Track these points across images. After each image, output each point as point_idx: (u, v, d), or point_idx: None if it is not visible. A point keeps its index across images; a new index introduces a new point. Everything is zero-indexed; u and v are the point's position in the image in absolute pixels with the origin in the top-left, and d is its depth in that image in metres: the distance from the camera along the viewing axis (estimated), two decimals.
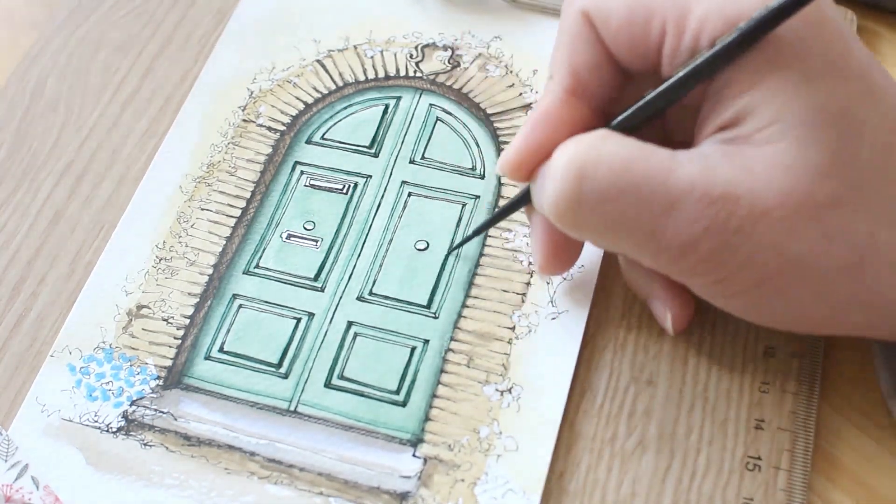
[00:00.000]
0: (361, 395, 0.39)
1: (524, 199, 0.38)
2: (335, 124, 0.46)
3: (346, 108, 0.46)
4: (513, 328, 0.40)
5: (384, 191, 0.44)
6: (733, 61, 0.32)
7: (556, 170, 0.34)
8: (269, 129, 0.46)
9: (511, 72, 0.47)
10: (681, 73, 0.33)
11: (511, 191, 0.44)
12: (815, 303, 0.34)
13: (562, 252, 0.38)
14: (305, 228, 0.43)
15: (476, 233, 0.41)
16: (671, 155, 0.33)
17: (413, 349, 0.40)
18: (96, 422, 0.39)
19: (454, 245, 0.42)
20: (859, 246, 0.32)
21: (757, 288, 0.33)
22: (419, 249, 0.42)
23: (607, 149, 0.33)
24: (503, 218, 0.41)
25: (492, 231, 0.42)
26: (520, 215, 0.42)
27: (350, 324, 0.41)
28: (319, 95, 0.47)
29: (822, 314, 0.34)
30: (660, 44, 0.34)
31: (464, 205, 0.43)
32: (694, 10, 0.33)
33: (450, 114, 0.46)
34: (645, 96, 0.35)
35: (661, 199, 0.32)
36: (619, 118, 0.35)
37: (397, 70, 0.47)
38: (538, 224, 0.38)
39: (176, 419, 0.39)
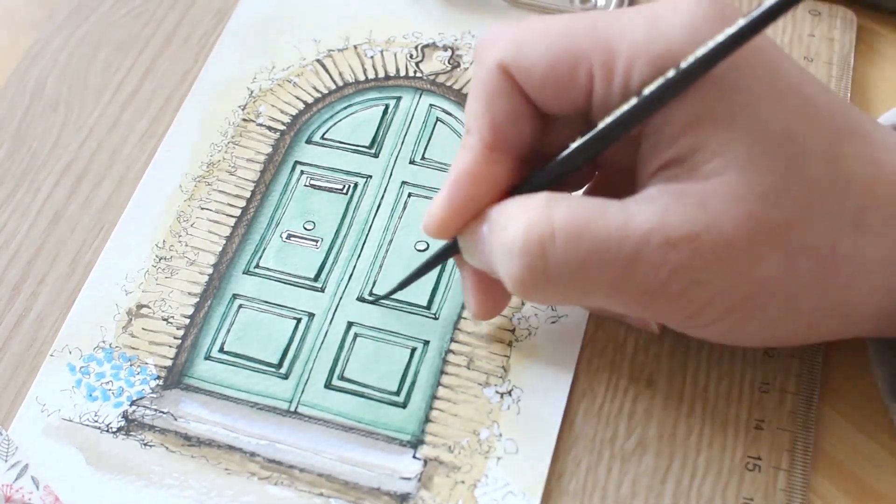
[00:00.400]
0: (362, 395, 0.39)
1: (452, 250, 0.38)
2: (335, 124, 0.46)
3: (346, 108, 0.46)
4: (513, 330, 0.40)
5: (384, 191, 0.44)
6: (666, 105, 0.32)
7: (514, 248, 0.33)
8: (269, 128, 0.46)
9: None
10: (609, 121, 0.33)
11: None
12: (787, 319, 0.34)
13: (495, 298, 0.38)
14: (305, 228, 0.43)
15: (403, 285, 0.40)
16: (623, 207, 0.33)
17: (413, 350, 0.40)
18: (96, 422, 0.39)
19: (379, 297, 0.41)
20: (821, 259, 0.32)
21: (728, 315, 0.33)
22: (419, 250, 0.42)
23: (561, 215, 0.33)
24: (430, 270, 0.40)
25: None
26: None
27: (350, 324, 0.41)
28: (319, 95, 0.47)
29: (796, 328, 0.34)
30: (588, 89, 0.33)
31: None
32: (620, 52, 0.32)
33: (450, 114, 0.46)
34: (572, 145, 0.34)
35: (625, 254, 0.32)
36: (552, 165, 0.35)
37: (397, 70, 0.47)
38: (469, 274, 0.38)
39: (176, 419, 0.39)
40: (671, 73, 0.31)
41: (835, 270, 0.33)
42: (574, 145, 0.34)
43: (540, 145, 0.36)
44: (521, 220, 0.33)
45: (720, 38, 0.31)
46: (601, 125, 0.33)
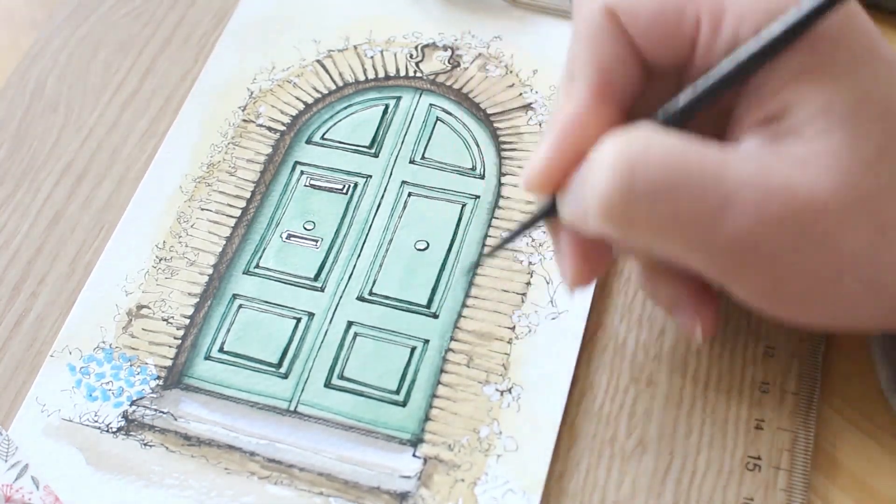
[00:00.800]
0: (361, 394, 0.39)
1: (552, 210, 0.35)
2: (335, 124, 0.46)
3: (346, 108, 0.46)
4: (513, 328, 0.40)
5: (384, 191, 0.44)
6: (780, 53, 0.31)
7: (604, 165, 0.31)
8: (269, 129, 0.46)
9: (511, 72, 0.47)
10: (734, 63, 0.32)
11: (511, 191, 0.44)
12: (870, 300, 0.33)
13: (593, 263, 0.36)
14: (305, 228, 0.43)
15: (499, 246, 0.38)
16: (723, 150, 0.31)
17: (413, 349, 0.40)
18: (96, 422, 0.39)
19: (473, 264, 0.41)
20: None
21: (812, 291, 0.32)
22: (419, 249, 0.42)
23: (657, 142, 0.31)
24: (525, 231, 0.37)
25: (492, 231, 0.42)
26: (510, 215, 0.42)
27: (350, 324, 0.41)
28: (319, 95, 0.47)
29: (877, 311, 0.33)
30: (693, 38, 0.33)
31: (464, 205, 0.43)
32: (731, 2, 0.32)
33: (450, 114, 0.46)
34: (694, 87, 0.33)
35: (717, 194, 0.30)
36: (672, 109, 0.33)
37: (397, 70, 0.47)
38: (567, 239, 0.35)
39: (176, 419, 0.39)
40: (794, 14, 0.31)
41: None
42: (700, 87, 0.33)
43: (638, 104, 0.35)
44: (617, 141, 0.31)
45: None
46: (728, 65, 0.32)
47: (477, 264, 0.41)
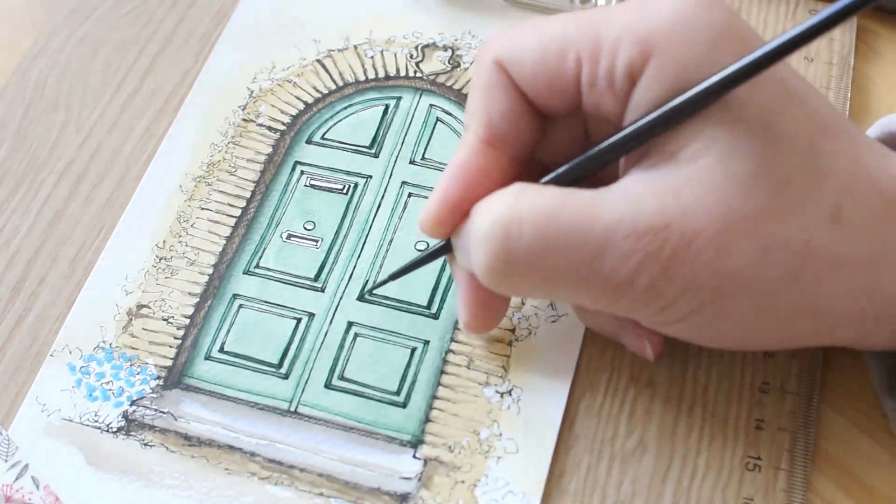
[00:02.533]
0: (362, 395, 0.39)
1: (444, 249, 0.37)
2: (335, 124, 0.46)
3: (346, 108, 0.46)
4: (513, 330, 0.40)
5: (384, 191, 0.44)
6: (668, 128, 0.32)
7: (479, 234, 0.33)
8: (270, 128, 0.46)
9: None
10: (606, 143, 0.33)
11: None
12: (760, 319, 0.33)
13: (489, 307, 0.38)
14: (306, 228, 0.43)
15: (392, 277, 0.40)
16: (593, 196, 0.32)
17: (413, 350, 0.40)
18: (96, 422, 0.39)
19: (368, 288, 0.41)
20: (795, 254, 0.31)
21: (699, 312, 0.32)
22: (419, 250, 0.42)
23: (527, 204, 0.33)
24: (421, 266, 0.39)
25: None
26: None
27: (350, 324, 0.41)
28: (319, 95, 0.47)
29: (769, 330, 0.34)
30: (577, 76, 0.33)
31: None
32: (605, 36, 0.33)
33: (450, 114, 0.46)
34: (570, 162, 0.34)
35: (591, 244, 0.32)
36: (547, 178, 0.35)
37: (397, 70, 0.47)
38: (462, 278, 0.37)
39: (176, 419, 0.39)
40: (674, 103, 0.31)
41: (810, 267, 0.32)
42: (566, 166, 0.34)
43: (538, 149, 0.36)
44: (489, 208, 0.33)
45: (740, 63, 0.30)
46: (601, 145, 0.33)
47: (371, 290, 0.41)
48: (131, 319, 0.41)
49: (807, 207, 0.31)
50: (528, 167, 0.36)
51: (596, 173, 0.35)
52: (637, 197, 0.32)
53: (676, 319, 0.33)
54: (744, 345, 0.36)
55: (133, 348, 0.40)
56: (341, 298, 0.41)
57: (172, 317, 0.41)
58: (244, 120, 0.46)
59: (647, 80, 0.32)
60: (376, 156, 0.45)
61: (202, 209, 0.44)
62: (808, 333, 0.34)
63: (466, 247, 0.35)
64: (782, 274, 0.32)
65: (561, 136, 0.36)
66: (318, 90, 0.47)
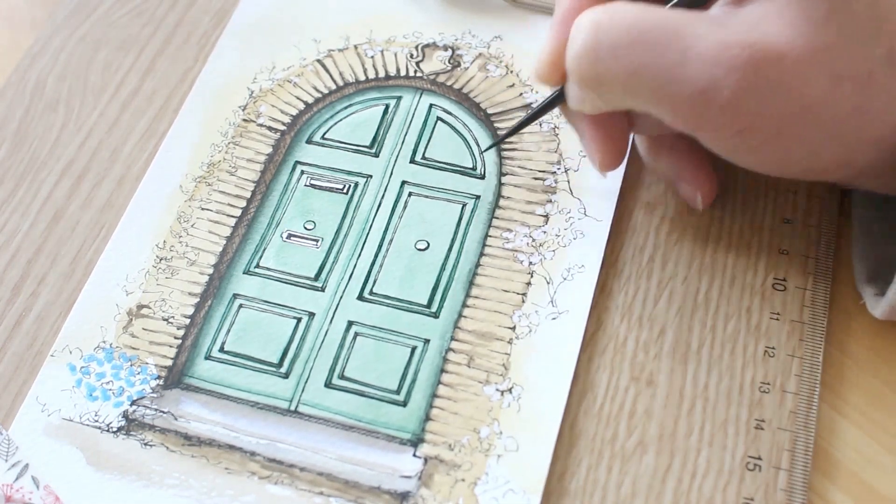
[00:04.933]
0: (362, 394, 0.39)
1: (559, 97, 0.39)
2: (335, 124, 0.46)
3: (346, 107, 0.46)
4: (513, 328, 0.40)
5: (384, 190, 0.44)
6: None
7: (576, 31, 0.35)
8: (270, 128, 0.46)
9: (511, 72, 0.47)
10: None
11: (511, 191, 0.44)
12: (832, 145, 0.35)
13: (615, 141, 0.39)
14: (306, 228, 0.43)
15: (512, 132, 0.41)
16: (686, 14, 0.34)
17: (413, 349, 0.40)
18: (96, 421, 0.39)
19: (491, 144, 0.44)
20: (862, 84, 0.34)
21: (776, 137, 0.35)
22: (419, 249, 0.42)
23: (622, 8, 0.35)
24: (538, 118, 0.41)
25: (492, 231, 0.42)
26: (514, 218, 0.42)
27: (350, 323, 0.41)
28: (320, 95, 0.47)
29: (839, 156, 0.36)
30: None
31: (464, 205, 0.43)
32: None
33: (450, 114, 0.46)
34: None
35: (675, 48, 0.34)
36: None
37: (397, 70, 0.47)
38: (585, 123, 0.39)
39: (176, 419, 0.39)
40: None
41: (874, 98, 0.34)
42: None
43: None
44: (589, 11, 0.35)
45: None
46: None
47: (498, 144, 0.44)
48: (131, 319, 0.41)
49: (869, 45, 0.34)
50: None
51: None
52: (723, 21, 0.34)
53: (754, 145, 0.35)
54: (812, 173, 0.38)
55: (133, 348, 0.40)
56: (341, 298, 0.41)
57: (173, 317, 0.41)
58: (244, 120, 0.46)
59: None
60: (376, 155, 0.45)
61: (202, 209, 0.44)
62: (867, 161, 0.36)
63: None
64: (852, 103, 0.34)
65: None
66: (318, 90, 0.47)
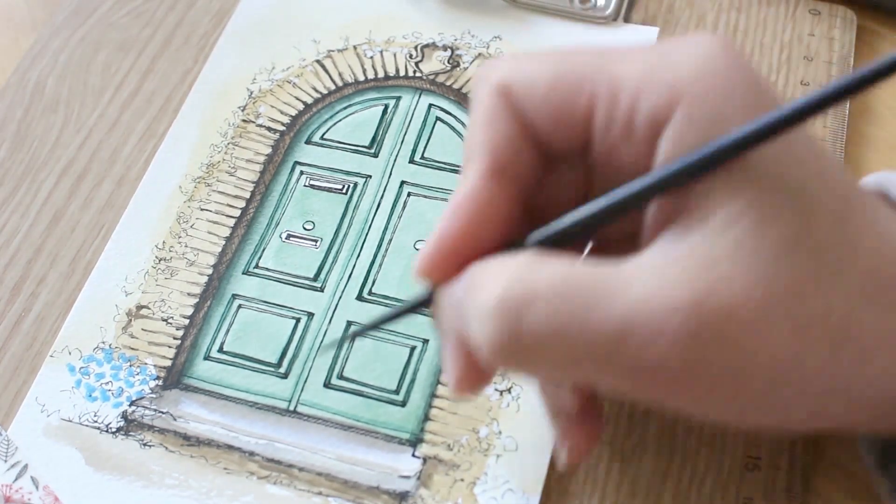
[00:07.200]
0: (361, 394, 0.39)
1: (427, 303, 0.33)
2: (335, 124, 0.46)
3: (345, 108, 0.46)
4: None
5: (384, 191, 0.44)
6: (695, 180, 0.29)
7: (486, 309, 0.29)
8: (269, 129, 0.46)
9: None
10: (626, 190, 0.29)
11: None
12: (799, 400, 0.30)
13: (479, 374, 0.32)
14: (305, 228, 0.43)
15: (373, 326, 0.36)
16: (617, 270, 0.29)
17: (412, 349, 0.40)
18: (96, 422, 0.39)
19: (336, 341, 0.40)
20: (834, 330, 0.28)
21: (735, 399, 0.29)
22: (419, 249, 0.42)
23: (541, 277, 0.29)
24: (401, 317, 0.35)
25: None
26: None
27: (349, 323, 0.41)
28: (319, 95, 0.47)
29: (806, 411, 0.30)
30: (588, 115, 0.31)
31: None
32: (625, 78, 0.30)
33: (450, 114, 0.46)
34: (574, 211, 0.31)
35: (614, 323, 0.28)
36: (549, 231, 0.31)
37: (397, 70, 0.47)
38: (449, 337, 0.32)
39: (175, 419, 0.39)
40: (707, 147, 0.28)
41: (848, 344, 0.29)
42: (576, 212, 0.31)
43: (539, 195, 0.33)
44: (500, 280, 0.29)
45: (779, 113, 0.28)
46: (619, 191, 0.30)
47: (341, 342, 0.40)
48: (131, 320, 0.41)
49: (841, 280, 0.28)
50: (530, 212, 0.33)
51: (611, 224, 0.31)
52: (664, 268, 0.28)
53: (715, 410, 0.30)
54: (779, 426, 0.32)
55: (132, 349, 0.40)
56: (340, 298, 0.41)
57: (172, 317, 0.41)
58: (244, 121, 0.46)
59: (675, 128, 0.29)
60: (376, 155, 0.45)
61: (202, 210, 0.44)
62: (836, 416, 0.31)
63: (459, 309, 0.31)
64: (822, 352, 0.29)
65: (560, 180, 0.33)
66: (317, 90, 0.47)
